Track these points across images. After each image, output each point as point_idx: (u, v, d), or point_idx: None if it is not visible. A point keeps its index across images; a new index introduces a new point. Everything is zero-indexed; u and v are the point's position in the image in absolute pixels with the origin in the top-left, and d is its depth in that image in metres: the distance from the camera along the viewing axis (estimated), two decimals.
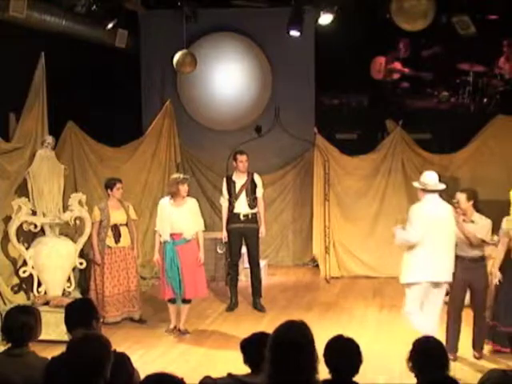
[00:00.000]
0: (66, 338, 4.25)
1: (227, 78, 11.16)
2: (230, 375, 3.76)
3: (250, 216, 8.70)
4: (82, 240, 8.27)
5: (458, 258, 6.79)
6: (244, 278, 9.53)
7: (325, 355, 3.63)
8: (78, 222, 8.32)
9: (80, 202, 8.18)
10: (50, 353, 3.97)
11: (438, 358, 3.77)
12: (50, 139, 8.37)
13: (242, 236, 8.76)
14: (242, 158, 8.65)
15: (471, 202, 6.78)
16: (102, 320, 7.08)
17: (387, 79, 12.27)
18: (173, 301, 7.77)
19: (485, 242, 6.76)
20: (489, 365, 6.45)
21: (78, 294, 8.39)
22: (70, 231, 8.67)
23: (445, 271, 6.63)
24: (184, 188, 7.64)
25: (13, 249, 8.10)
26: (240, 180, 8.72)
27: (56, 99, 8.71)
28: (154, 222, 7.99)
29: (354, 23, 10.75)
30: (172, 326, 7.86)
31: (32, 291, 8.04)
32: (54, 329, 6.97)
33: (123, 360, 3.68)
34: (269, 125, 11.24)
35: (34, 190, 8.13)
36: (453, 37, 10.41)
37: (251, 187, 8.73)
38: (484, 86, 11.67)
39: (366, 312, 8.71)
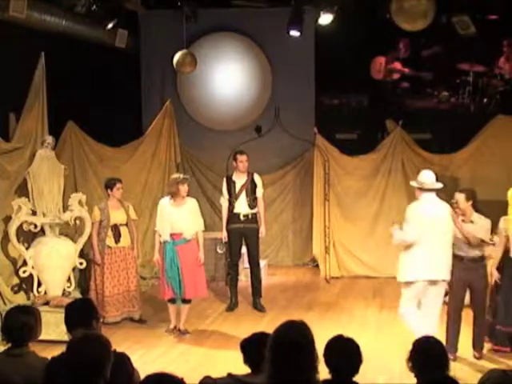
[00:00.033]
0: (65, 338, 4.25)
1: (227, 78, 11.16)
2: (229, 375, 3.76)
3: (250, 216, 8.71)
4: (82, 240, 8.27)
5: (457, 258, 6.80)
6: (244, 278, 9.53)
7: (325, 355, 3.63)
8: (77, 221, 8.32)
9: (80, 202, 8.19)
10: (50, 353, 3.97)
11: (438, 358, 3.77)
12: (49, 139, 8.37)
13: (242, 236, 8.76)
14: (242, 157, 8.65)
15: (470, 202, 6.78)
16: (101, 320, 7.08)
17: (387, 79, 12.27)
18: (173, 301, 7.77)
19: (484, 242, 6.76)
20: (489, 365, 6.46)
21: (78, 294, 8.39)
22: (70, 231, 8.67)
23: (442, 269, 6.64)
24: (184, 188, 7.64)
25: (13, 249, 8.10)
26: (240, 180, 8.73)
27: (56, 99, 8.71)
28: (154, 222, 7.99)
29: (354, 23, 10.75)
30: (172, 326, 7.86)
31: (32, 291, 8.04)
32: (54, 329, 6.96)
33: (123, 360, 3.68)
34: (269, 125, 11.24)
35: (34, 190, 8.13)
36: (453, 37, 10.41)
37: (251, 187, 8.73)
38: (484, 86, 11.67)
39: (366, 312, 8.70)
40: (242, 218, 8.68)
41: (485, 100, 11.64)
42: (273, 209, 11.10)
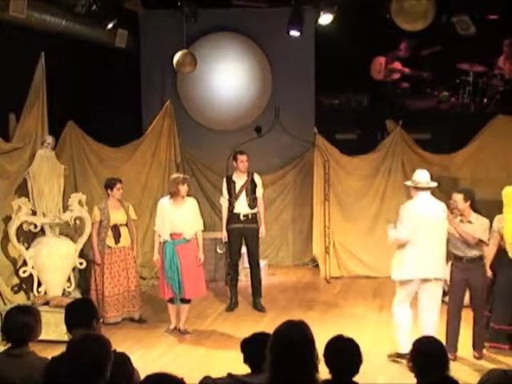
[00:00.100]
0: (65, 338, 4.26)
1: (227, 78, 11.16)
2: (230, 375, 3.76)
3: (250, 216, 8.71)
4: (82, 240, 8.27)
5: (456, 258, 6.81)
6: (244, 278, 9.53)
7: (325, 355, 3.63)
8: (77, 221, 8.33)
9: (80, 202, 8.19)
10: (50, 353, 3.97)
11: (438, 358, 3.77)
12: (49, 139, 8.38)
13: (242, 236, 8.76)
14: (242, 157, 8.65)
15: (468, 203, 6.79)
16: (101, 320, 7.08)
17: (387, 79, 12.27)
18: (172, 301, 7.77)
19: (483, 242, 6.77)
20: (489, 365, 6.47)
21: (78, 294, 8.39)
22: (70, 231, 8.67)
23: (434, 268, 6.65)
24: (184, 188, 7.64)
25: (13, 249, 8.10)
26: (240, 180, 8.73)
27: (56, 99, 8.71)
28: (154, 221, 7.99)
29: (354, 23, 10.75)
30: (172, 327, 7.86)
31: (32, 291, 8.04)
32: (54, 329, 6.97)
33: (123, 360, 3.68)
34: (269, 125, 11.23)
35: (34, 190, 8.13)
36: (453, 37, 10.42)
37: (251, 187, 8.73)
38: (484, 86, 11.66)
39: (366, 312, 8.70)
40: (241, 218, 8.68)
41: (485, 100, 11.63)
42: (273, 209, 11.10)
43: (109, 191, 8.21)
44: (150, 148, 10.67)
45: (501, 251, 7.05)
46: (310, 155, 10.86)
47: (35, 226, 8.05)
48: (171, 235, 7.62)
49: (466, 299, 7.05)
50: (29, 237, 8.26)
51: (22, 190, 8.21)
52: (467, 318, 6.93)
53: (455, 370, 5.21)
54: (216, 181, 10.74)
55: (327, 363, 3.64)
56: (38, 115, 8.49)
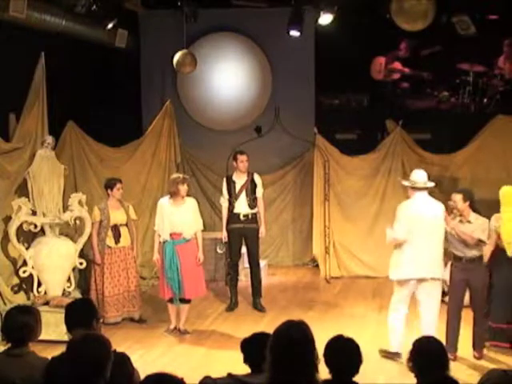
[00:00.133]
0: (65, 338, 4.26)
1: (227, 78, 11.16)
2: (230, 375, 3.76)
3: (250, 216, 8.71)
4: (82, 240, 8.28)
5: (455, 258, 6.82)
6: (244, 278, 9.53)
7: (325, 355, 3.63)
8: (77, 221, 8.33)
9: (80, 202, 8.19)
10: (50, 353, 3.97)
11: (438, 358, 3.77)
12: (49, 139, 8.38)
13: (242, 236, 8.76)
14: (242, 157, 8.65)
15: (467, 203, 6.79)
16: (102, 320, 7.08)
17: (387, 79, 12.27)
18: (172, 301, 7.77)
19: (482, 242, 6.77)
20: (489, 365, 6.48)
21: (78, 294, 8.39)
22: (70, 231, 8.67)
23: (431, 268, 6.66)
24: (184, 188, 7.64)
25: (13, 249, 8.10)
26: (240, 180, 8.73)
27: (56, 99, 8.71)
28: (154, 221, 7.99)
29: (354, 23, 10.75)
30: (172, 327, 7.85)
31: (32, 291, 8.04)
32: (54, 329, 6.96)
33: (123, 360, 3.68)
34: (269, 125, 11.23)
35: (34, 190, 8.13)
36: (453, 37, 10.41)
37: (251, 187, 8.73)
38: (484, 86, 11.66)
39: (366, 312, 8.70)
40: (241, 218, 8.68)
41: (485, 100, 11.63)
42: (273, 209, 11.10)
43: (109, 191, 8.21)
44: (150, 148, 10.67)
45: (498, 250, 7.06)
46: (310, 155, 10.86)
47: (35, 226, 8.05)
48: (171, 235, 7.62)
49: (466, 299, 7.05)
50: (29, 237, 8.26)
51: (22, 190, 8.21)
52: (467, 318, 6.93)
53: (455, 370, 5.22)
54: (216, 181, 10.74)
55: (327, 363, 3.64)
56: (38, 115, 8.49)
